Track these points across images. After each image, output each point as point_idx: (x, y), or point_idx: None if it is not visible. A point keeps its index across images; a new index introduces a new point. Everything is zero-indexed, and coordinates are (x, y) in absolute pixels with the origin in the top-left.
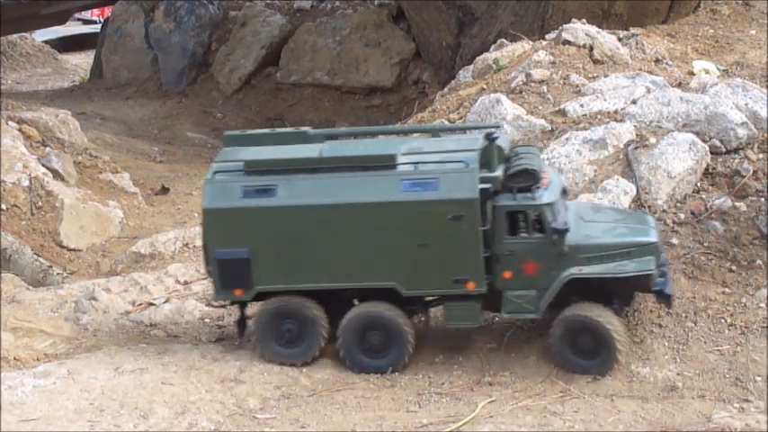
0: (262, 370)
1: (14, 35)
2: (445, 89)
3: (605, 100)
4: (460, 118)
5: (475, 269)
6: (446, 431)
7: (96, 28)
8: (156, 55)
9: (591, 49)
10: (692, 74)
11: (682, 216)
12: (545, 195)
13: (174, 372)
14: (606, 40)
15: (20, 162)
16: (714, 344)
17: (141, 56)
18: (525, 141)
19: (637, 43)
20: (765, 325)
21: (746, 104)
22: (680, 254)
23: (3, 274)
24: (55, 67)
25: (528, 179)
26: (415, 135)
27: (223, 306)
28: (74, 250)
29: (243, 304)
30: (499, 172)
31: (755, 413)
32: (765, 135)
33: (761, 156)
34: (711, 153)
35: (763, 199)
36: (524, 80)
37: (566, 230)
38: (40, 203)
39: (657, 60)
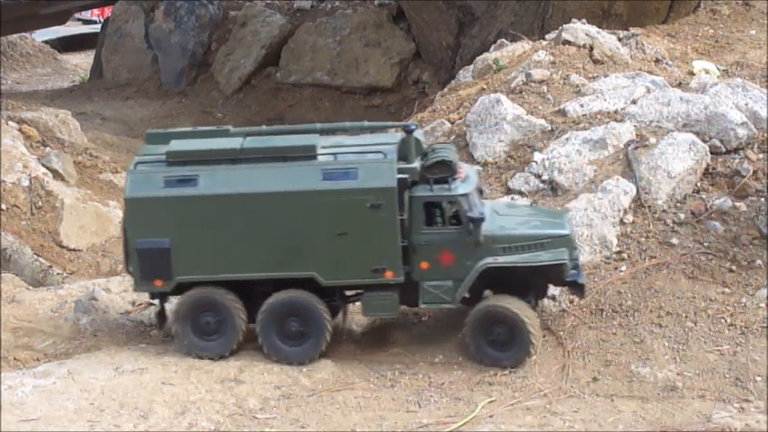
0: (262, 370)
1: (14, 35)
2: (445, 89)
3: (605, 100)
4: (460, 118)
5: (393, 258)
6: (446, 431)
7: (96, 28)
8: (156, 55)
9: (591, 49)
10: (692, 74)
11: (682, 216)
12: (461, 187)
13: (174, 372)
14: (606, 40)
15: (20, 162)
16: (714, 344)
17: (141, 56)
18: (524, 141)
19: (637, 43)
20: (765, 325)
21: (746, 104)
22: (680, 254)
23: (3, 274)
24: (55, 67)
25: (444, 170)
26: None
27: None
28: (74, 250)
29: (163, 296)
30: (416, 164)
31: (755, 413)
32: (765, 135)
33: (761, 156)
34: (711, 153)
35: (763, 199)
36: (524, 80)
37: (481, 219)
38: (40, 203)
39: (657, 60)
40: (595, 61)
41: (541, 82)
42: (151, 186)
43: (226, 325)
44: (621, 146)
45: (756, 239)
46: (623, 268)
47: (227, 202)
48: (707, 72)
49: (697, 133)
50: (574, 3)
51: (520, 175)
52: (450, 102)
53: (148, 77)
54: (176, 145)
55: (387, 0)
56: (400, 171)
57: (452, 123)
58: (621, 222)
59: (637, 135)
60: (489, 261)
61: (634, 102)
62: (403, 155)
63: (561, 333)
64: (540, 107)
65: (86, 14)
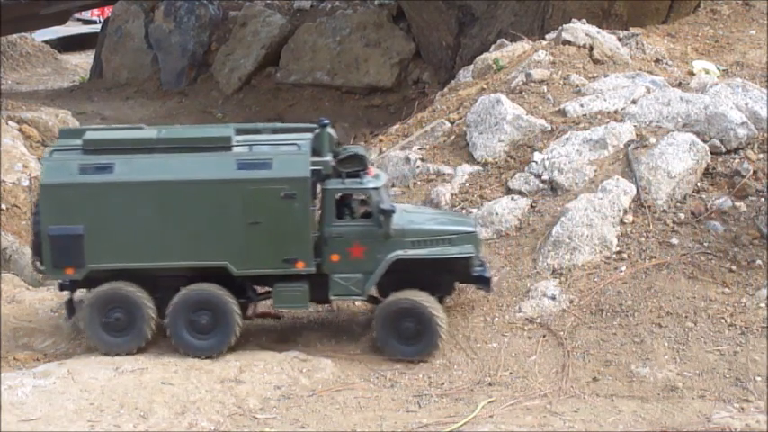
0: (262, 370)
1: (14, 35)
2: (445, 89)
3: (605, 100)
4: (460, 118)
5: (305, 249)
6: (446, 431)
7: (96, 28)
8: (156, 55)
9: (591, 49)
10: (692, 74)
11: (682, 216)
12: (372, 181)
13: (174, 372)
14: (606, 40)
15: (20, 162)
16: (714, 344)
17: (141, 56)
18: (524, 141)
19: (637, 43)
20: (765, 325)
21: (746, 104)
22: (680, 254)
23: (3, 274)
24: (55, 67)
25: (357, 164)
26: None
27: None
28: None
29: (73, 285)
30: (329, 158)
31: (755, 413)
32: (765, 135)
33: (761, 156)
34: (711, 153)
35: (763, 199)
36: (524, 80)
37: (392, 211)
38: None
39: (657, 60)
40: (595, 61)
41: (541, 82)
42: (66, 173)
43: (136, 321)
44: (621, 146)
45: (756, 239)
46: (623, 268)
47: (142, 190)
48: (707, 72)
49: (697, 133)
50: (574, 3)
51: (520, 175)
52: (450, 102)
53: (148, 77)
54: (93, 134)
55: (387, 0)
56: (313, 164)
57: (452, 123)
58: (621, 222)
59: (637, 135)
60: (399, 253)
61: (634, 102)
62: (316, 149)
63: (561, 333)
64: (540, 107)
65: (86, 14)
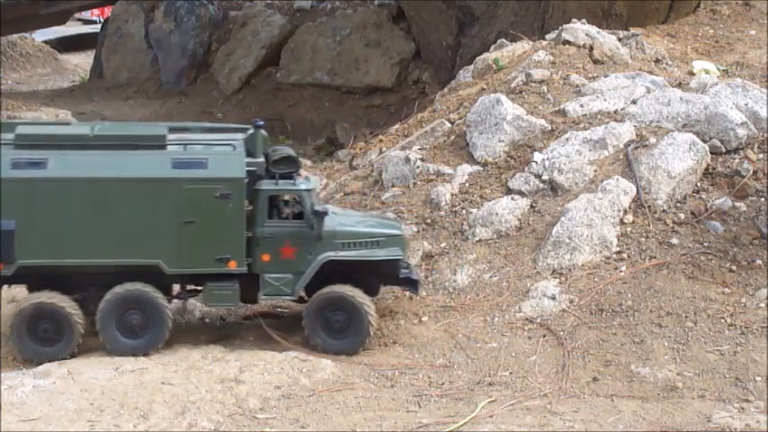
0: (262, 370)
1: (14, 35)
2: (445, 89)
3: (605, 100)
4: (460, 118)
5: (237, 248)
6: (446, 431)
7: (96, 28)
8: (156, 55)
9: (591, 49)
10: (692, 74)
11: (682, 216)
12: (305, 183)
13: (174, 372)
14: (606, 40)
15: None
16: (714, 344)
17: (141, 56)
18: (524, 141)
19: (637, 43)
20: (765, 325)
21: (746, 104)
22: (680, 254)
23: None
24: (55, 67)
25: (290, 166)
26: None
27: None
28: None
29: (2, 281)
30: (262, 158)
31: (755, 413)
32: (765, 135)
33: (761, 156)
34: (711, 153)
35: (763, 199)
36: (524, 80)
37: (325, 213)
38: None
39: (657, 60)
40: (595, 61)
41: (541, 82)
42: None
43: (64, 330)
44: (621, 146)
45: (756, 239)
46: (623, 268)
47: (76, 187)
48: (707, 72)
49: (697, 133)
50: (574, 3)
51: (520, 175)
52: (450, 102)
53: (148, 77)
54: (25, 128)
55: (387, 0)
56: (247, 164)
57: (452, 123)
58: (621, 222)
59: (637, 135)
60: (330, 255)
61: (634, 102)
62: (249, 149)
63: (561, 333)
64: (540, 107)
65: (86, 14)
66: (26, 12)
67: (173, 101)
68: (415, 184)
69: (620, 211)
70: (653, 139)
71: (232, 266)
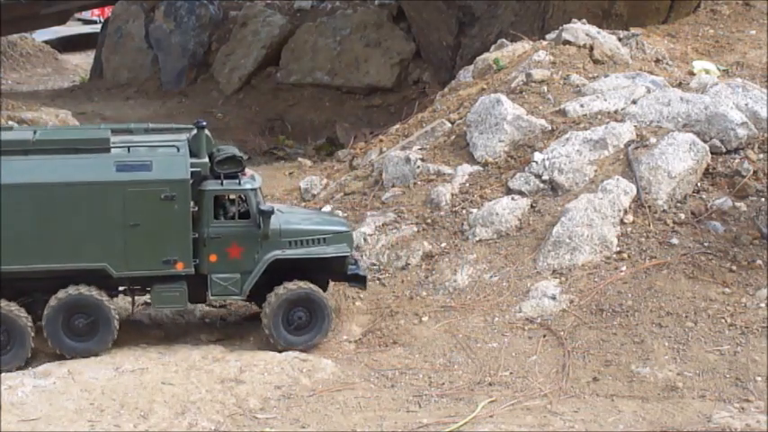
0: (262, 370)
1: (14, 35)
2: (445, 89)
3: (605, 100)
4: (460, 118)
5: (184, 250)
6: (446, 431)
7: (96, 28)
8: (156, 55)
9: (591, 49)
10: (692, 74)
11: (682, 216)
12: (250, 182)
13: (174, 372)
14: (606, 40)
15: None
16: (714, 344)
17: (141, 56)
18: (524, 141)
19: (637, 43)
20: (765, 325)
21: (746, 104)
22: (680, 254)
23: None
24: (55, 67)
25: (234, 166)
26: None
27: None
28: None
29: None
30: (206, 159)
31: (755, 413)
32: (765, 135)
33: (761, 156)
34: (711, 153)
35: (763, 199)
36: (524, 80)
37: (271, 212)
38: None
39: (657, 60)
40: (595, 61)
41: (541, 82)
42: None
43: (15, 338)
44: (621, 146)
45: (756, 239)
46: (623, 268)
47: (20, 192)
48: (707, 72)
49: (697, 133)
50: (574, 3)
51: (520, 175)
52: (450, 102)
53: (148, 77)
54: None
55: (387, 0)
56: (192, 165)
57: (452, 123)
58: (621, 222)
59: (637, 135)
60: (277, 253)
61: (634, 102)
62: (194, 150)
63: (561, 333)
64: (540, 107)
65: (86, 14)
66: (26, 12)
67: (173, 101)
68: (415, 184)
69: (620, 211)
70: (653, 139)
71: (179, 268)
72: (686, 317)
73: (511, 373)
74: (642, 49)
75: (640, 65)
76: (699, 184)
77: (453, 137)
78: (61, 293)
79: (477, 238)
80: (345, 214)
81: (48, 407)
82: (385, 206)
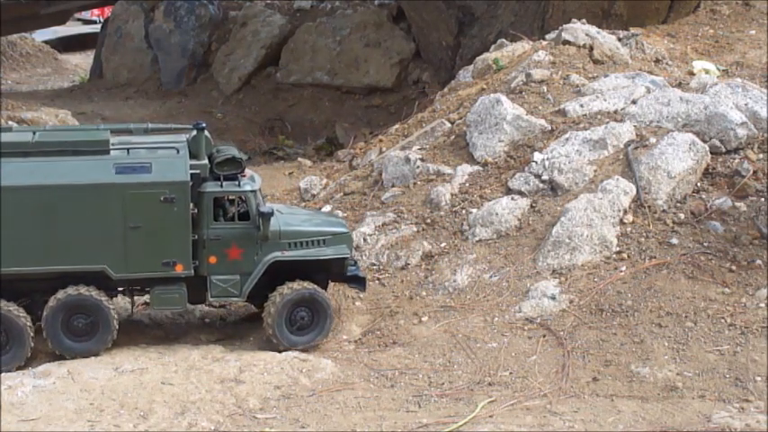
0: (262, 370)
1: (14, 35)
2: (445, 89)
3: (605, 100)
4: (460, 118)
5: (184, 252)
6: (446, 431)
7: (96, 28)
8: (156, 55)
9: (591, 49)
10: (692, 74)
11: (682, 216)
12: (249, 184)
13: (174, 372)
14: (606, 40)
15: None
16: (714, 344)
17: (141, 56)
18: (524, 141)
19: (637, 43)
20: (765, 325)
21: (746, 104)
22: (680, 254)
23: None
24: (55, 67)
25: (234, 167)
26: None
27: (223, 306)
28: None
29: None
30: (206, 161)
31: (755, 413)
32: (765, 135)
33: (761, 156)
34: (711, 153)
35: (763, 199)
36: (524, 80)
37: (271, 214)
38: None
39: (657, 60)
40: (595, 61)
41: (541, 82)
42: None
43: (14, 340)
44: (621, 146)
45: (756, 239)
46: (623, 268)
47: (20, 195)
48: (707, 72)
49: (697, 133)
50: (574, 3)
51: (520, 175)
52: (450, 102)
53: (148, 77)
54: None
55: (387, 0)
56: (191, 167)
57: (452, 123)
58: (621, 222)
59: (637, 135)
60: (277, 255)
61: (634, 102)
62: (193, 152)
63: (561, 333)
64: (540, 107)
65: (86, 14)
66: (26, 12)
67: (173, 101)
68: (414, 184)
69: (620, 211)
70: (653, 139)
71: (179, 270)
72: (686, 317)
73: (510, 373)
74: (642, 49)
75: (640, 65)
76: (698, 184)
77: (453, 137)
78: (60, 294)
79: (477, 238)
80: (345, 214)
81: (47, 407)
82: (385, 206)
